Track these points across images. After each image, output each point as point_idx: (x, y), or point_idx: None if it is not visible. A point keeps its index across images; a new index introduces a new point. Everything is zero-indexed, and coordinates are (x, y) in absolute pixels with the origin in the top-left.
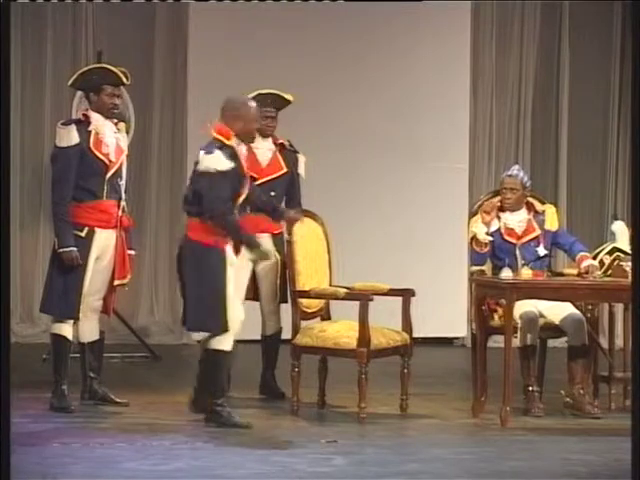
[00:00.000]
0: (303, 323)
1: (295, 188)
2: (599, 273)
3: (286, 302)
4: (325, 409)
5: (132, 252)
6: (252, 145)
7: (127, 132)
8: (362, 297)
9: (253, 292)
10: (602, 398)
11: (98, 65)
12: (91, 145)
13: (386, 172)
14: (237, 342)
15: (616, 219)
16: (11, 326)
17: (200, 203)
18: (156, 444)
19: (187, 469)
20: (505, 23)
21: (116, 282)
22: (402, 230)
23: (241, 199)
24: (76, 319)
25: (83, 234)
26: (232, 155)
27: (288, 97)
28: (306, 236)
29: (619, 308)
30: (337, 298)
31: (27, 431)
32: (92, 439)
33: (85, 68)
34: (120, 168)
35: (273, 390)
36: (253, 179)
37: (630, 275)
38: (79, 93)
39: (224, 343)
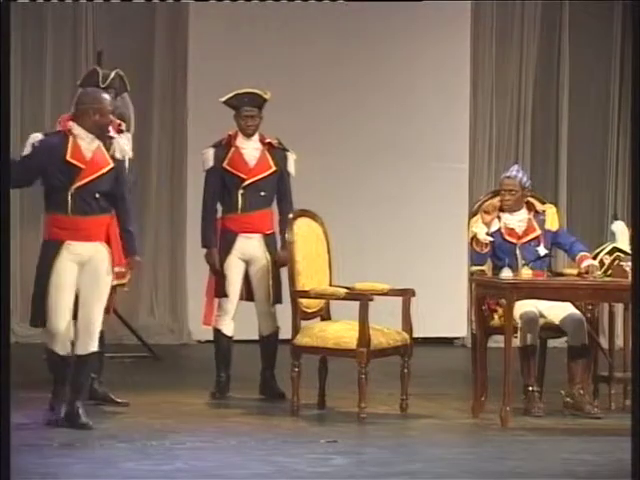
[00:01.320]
0: (303, 323)
1: (285, 187)
2: (599, 273)
3: (280, 303)
4: (325, 409)
5: (137, 258)
6: (238, 145)
7: (127, 132)
8: (362, 297)
9: (247, 293)
10: (602, 398)
11: (95, 66)
12: None
13: (386, 172)
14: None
15: (616, 219)
16: (11, 326)
17: None
18: (156, 444)
19: (187, 469)
20: (505, 23)
21: (114, 282)
22: (402, 230)
23: (73, 187)
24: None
25: None
26: (57, 143)
27: (265, 95)
28: (306, 236)
29: (619, 308)
30: (337, 298)
31: (27, 431)
32: (92, 439)
33: (90, 68)
34: None
35: (273, 390)
36: (242, 179)
37: (630, 275)
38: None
39: (51, 343)
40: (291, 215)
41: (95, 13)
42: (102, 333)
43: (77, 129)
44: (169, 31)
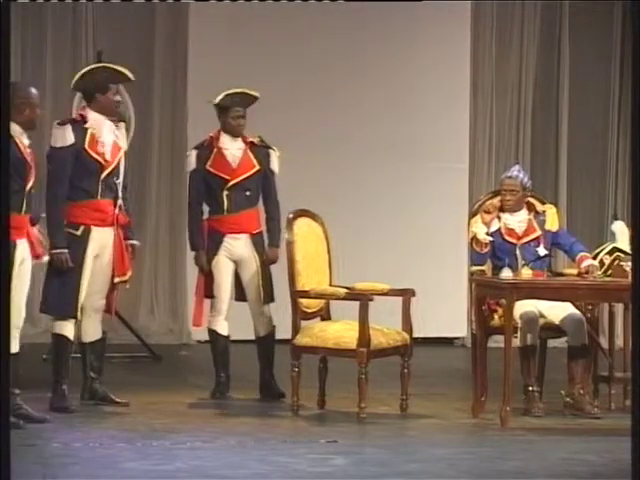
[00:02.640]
0: (303, 323)
1: (270, 185)
2: (599, 273)
3: (272, 302)
4: (325, 409)
5: (135, 242)
6: (221, 146)
7: (127, 131)
8: (362, 297)
9: (239, 294)
10: (602, 398)
11: (101, 65)
12: (86, 145)
13: (386, 172)
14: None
15: (616, 219)
16: None
17: None
18: (156, 444)
19: (187, 469)
20: (505, 23)
21: (116, 279)
22: (402, 230)
23: (28, 187)
24: (75, 318)
25: (79, 233)
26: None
27: (254, 94)
28: (306, 236)
29: (619, 308)
30: (337, 298)
31: (27, 431)
32: (92, 439)
33: (86, 69)
34: (117, 167)
35: (273, 390)
36: (225, 181)
37: (630, 275)
38: (79, 93)
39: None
40: (291, 215)
41: (95, 13)
42: (104, 333)
43: (15, 127)
44: (169, 31)
